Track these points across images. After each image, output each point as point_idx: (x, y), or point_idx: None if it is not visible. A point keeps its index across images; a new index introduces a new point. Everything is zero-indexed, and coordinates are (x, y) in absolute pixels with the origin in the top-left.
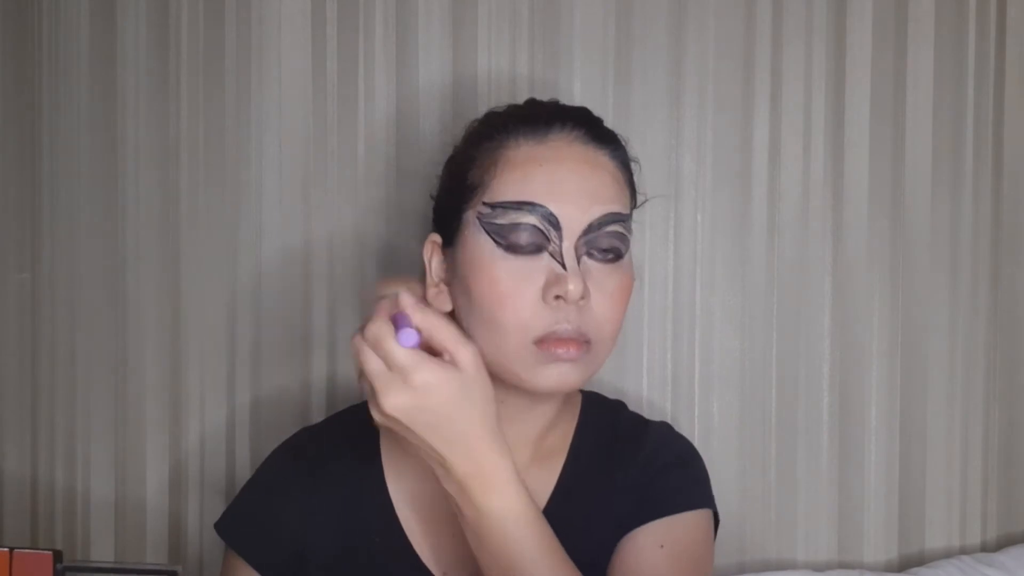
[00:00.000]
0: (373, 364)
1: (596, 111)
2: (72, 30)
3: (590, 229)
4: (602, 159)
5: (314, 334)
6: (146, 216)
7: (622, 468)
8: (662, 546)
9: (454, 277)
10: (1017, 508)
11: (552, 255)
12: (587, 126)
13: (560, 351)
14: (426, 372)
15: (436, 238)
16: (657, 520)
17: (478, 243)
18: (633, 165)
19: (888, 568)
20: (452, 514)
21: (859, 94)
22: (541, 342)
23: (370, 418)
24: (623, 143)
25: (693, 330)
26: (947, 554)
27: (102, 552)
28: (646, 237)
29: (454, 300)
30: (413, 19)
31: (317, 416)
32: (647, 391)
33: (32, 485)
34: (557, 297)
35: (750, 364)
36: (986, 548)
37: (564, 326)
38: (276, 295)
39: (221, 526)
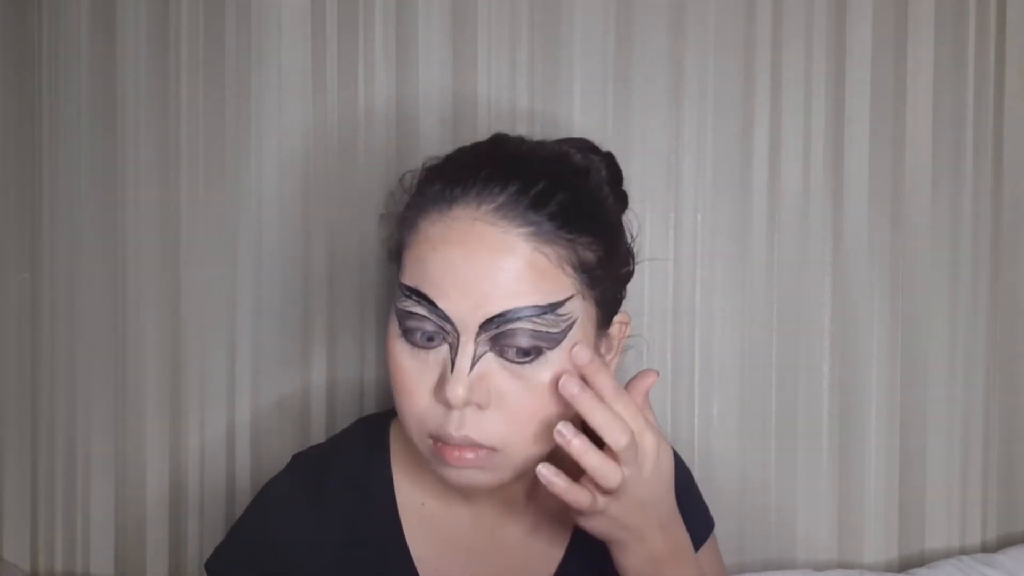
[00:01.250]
0: (625, 437)
1: (596, 111)
2: (72, 30)
3: (488, 327)
4: (513, 242)
5: (314, 335)
6: (146, 216)
7: None
8: None
9: None
10: (1017, 508)
11: (450, 348)
12: (504, 194)
13: (449, 458)
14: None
15: None
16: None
17: (391, 317)
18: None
19: (888, 568)
20: (472, 555)
21: (859, 94)
22: (435, 440)
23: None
24: (580, 207)
25: (693, 330)
26: (947, 554)
27: (102, 559)
28: (646, 237)
29: None
30: (413, 19)
31: (317, 418)
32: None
33: (32, 488)
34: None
35: (750, 364)
36: (986, 548)
37: (451, 431)
38: (276, 295)
39: (213, 566)
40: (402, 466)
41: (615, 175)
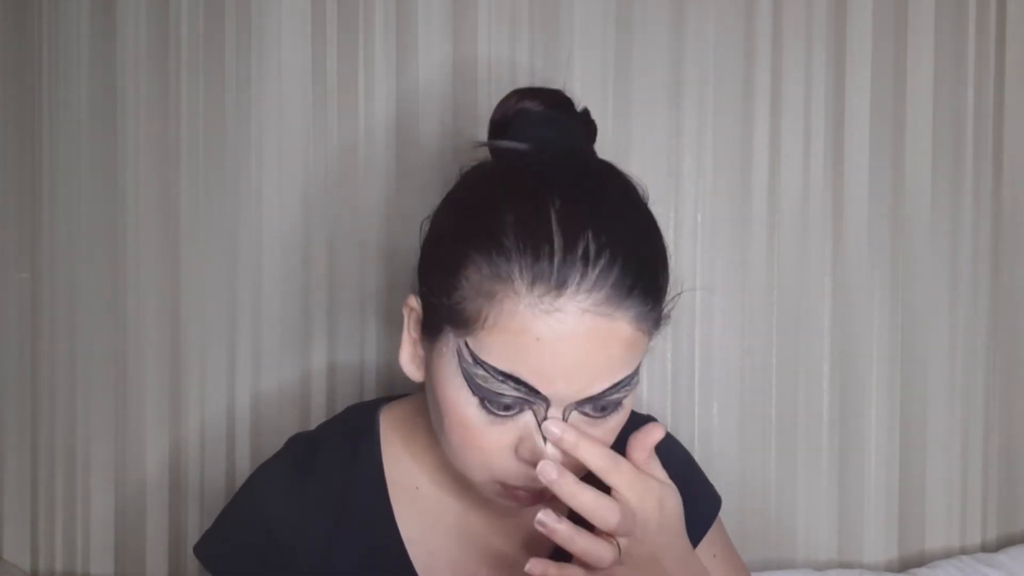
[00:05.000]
0: (613, 518)
1: (596, 111)
2: (72, 30)
3: (584, 403)
4: (619, 327)
5: (314, 334)
6: (146, 216)
7: None
8: (715, 555)
9: (429, 370)
10: (1017, 508)
11: (535, 415)
12: (612, 278)
13: (524, 498)
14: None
15: (415, 305)
16: (706, 535)
17: (453, 379)
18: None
19: (888, 568)
20: (465, 540)
21: (859, 94)
22: (507, 487)
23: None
24: (659, 268)
25: (693, 330)
26: (947, 554)
27: (102, 559)
28: None
29: (428, 386)
30: (413, 19)
31: (317, 419)
32: (647, 391)
33: (32, 488)
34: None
35: (750, 364)
36: (986, 548)
37: (534, 485)
38: (276, 295)
39: (201, 550)
40: (394, 451)
41: None
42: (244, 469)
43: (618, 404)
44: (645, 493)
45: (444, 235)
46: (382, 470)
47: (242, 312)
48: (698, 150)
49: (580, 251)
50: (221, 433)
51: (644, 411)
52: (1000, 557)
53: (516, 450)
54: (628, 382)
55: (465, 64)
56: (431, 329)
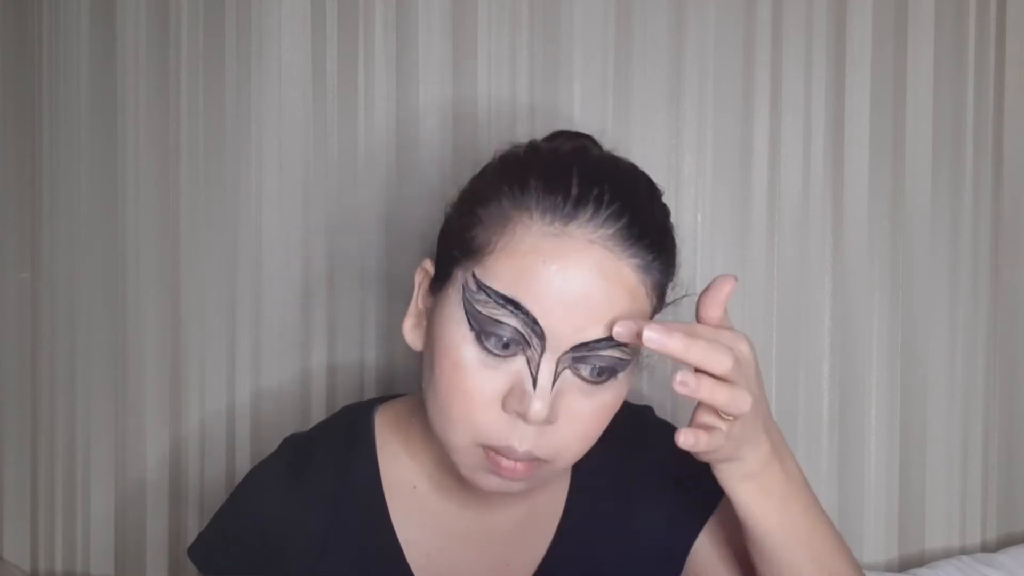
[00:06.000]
0: (729, 358)
1: (596, 111)
2: (72, 30)
3: (580, 348)
4: (624, 272)
5: (314, 335)
6: (146, 216)
7: (636, 476)
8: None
9: (430, 324)
10: (1017, 508)
11: (528, 362)
12: (621, 222)
13: (504, 470)
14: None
15: (428, 267)
16: (711, 516)
17: (454, 316)
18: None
19: (888, 568)
20: (462, 539)
21: (859, 94)
22: (488, 449)
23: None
24: (667, 238)
25: None
26: (947, 554)
27: (102, 559)
28: None
29: (425, 346)
30: (413, 19)
31: (317, 418)
32: (647, 391)
33: (32, 488)
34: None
35: None
36: (986, 548)
37: (515, 445)
38: (276, 295)
39: (195, 551)
40: (390, 451)
41: None
42: (244, 469)
43: (613, 373)
44: (734, 341)
45: (473, 190)
46: (378, 470)
47: (242, 312)
48: (698, 150)
49: (594, 194)
50: (221, 433)
51: None
52: (1000, 557)
53: (504, 402)
54: (626, 345)
55: (465, 63)
56: (441, 276)
